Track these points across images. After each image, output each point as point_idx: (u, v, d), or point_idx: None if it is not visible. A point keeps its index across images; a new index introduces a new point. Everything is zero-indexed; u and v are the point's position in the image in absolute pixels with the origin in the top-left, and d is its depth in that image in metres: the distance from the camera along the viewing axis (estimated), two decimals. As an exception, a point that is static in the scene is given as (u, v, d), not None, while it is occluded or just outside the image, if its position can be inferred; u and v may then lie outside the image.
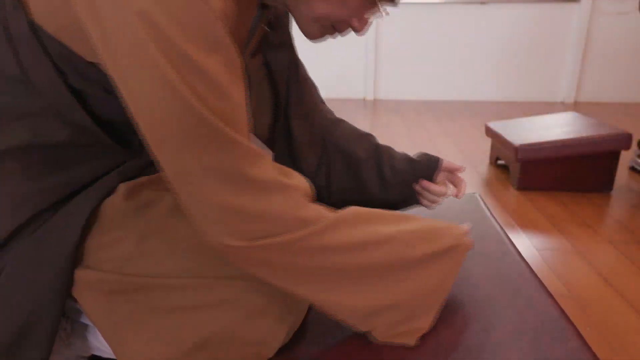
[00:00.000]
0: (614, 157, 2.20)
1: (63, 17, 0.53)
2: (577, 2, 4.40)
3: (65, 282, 0.56)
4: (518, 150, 2.22)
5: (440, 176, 0.86)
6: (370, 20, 0.66)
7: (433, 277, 0.65)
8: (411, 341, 0.64)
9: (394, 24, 4.63)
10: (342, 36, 0.68)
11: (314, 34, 0.66)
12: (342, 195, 0.86)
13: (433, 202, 0.86)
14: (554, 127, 2.43)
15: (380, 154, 0.86)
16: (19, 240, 0.56)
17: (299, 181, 0.58)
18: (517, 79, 4.71)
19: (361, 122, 3.79)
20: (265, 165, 0.53)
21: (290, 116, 0.83)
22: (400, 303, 0.63)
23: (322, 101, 0.89)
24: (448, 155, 2.87)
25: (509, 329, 0.66)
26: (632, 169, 2.59)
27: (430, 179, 0.85)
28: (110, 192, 0.61)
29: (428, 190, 0.85)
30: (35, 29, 0.54)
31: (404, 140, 3.18)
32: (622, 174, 2.52)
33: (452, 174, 0.87)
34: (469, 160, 2.79)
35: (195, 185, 0.50)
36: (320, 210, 0.57)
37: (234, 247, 0.52)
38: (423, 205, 0.88)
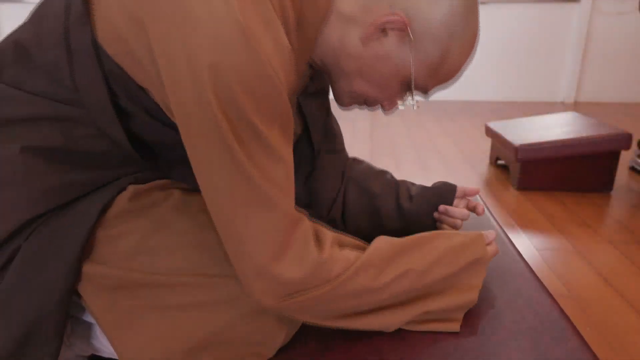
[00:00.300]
0: (614, 157, 2.21)
1: (125, 45, 0.55)
2: (577, 2, 4.40)
3: (72, 278, 0.56)
4: (518, 150, 2.22)
5: (457, 202, 0.89)
6: (400, 104, 0.71)
7: (456, 292, 0.68)
8: (455, 328, 0.67)
9: (394, 24, 4.63)
10: (369, 110, 0.71)
11: (345, 103, 0.71)
12: (357, 226, 0.90)
13: (454, 226, 0.88)
14: (554, 127, 2.44)
15: (397, 186, 0.90)
16: (27, 234, 0.57)
17: (329, 237, 0.60)
18: (517, 79, 4.71)
19: (361, 122, 3.79)
20: (303, 228, 0.57)
21: (316, 150, 0.87)
22: (430, 311, 0.66)
23: (343, 144, 0.94)
24: (448, 155, 2.87)
25: (509, 329, 0.66)
26: (632, 169, 2.59)
27: (450, 204, 0.89)
28: (121, 190, 0.62)
29: (447, 214, 0.88)
30: (97, 47, 0.56)
31: (404, 140, 3.19)
32: (622, 174, 2.52)
33: (466, 199, 0.91)
34: (469, 160, 2.79)
35: (238, 242, 0.54)
36: (346, 259, 0.59)
37: (268, 304, 0.56)
38: None
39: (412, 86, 0.66)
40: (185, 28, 0.49)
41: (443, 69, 0.65)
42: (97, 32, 0.56)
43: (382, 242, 0.63)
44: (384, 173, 0.92)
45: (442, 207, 0.88)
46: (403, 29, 0.61)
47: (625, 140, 2.15)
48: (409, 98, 0.70)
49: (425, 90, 0.68)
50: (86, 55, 0.56)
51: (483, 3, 4.50)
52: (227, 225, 0.54)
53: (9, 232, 0.55)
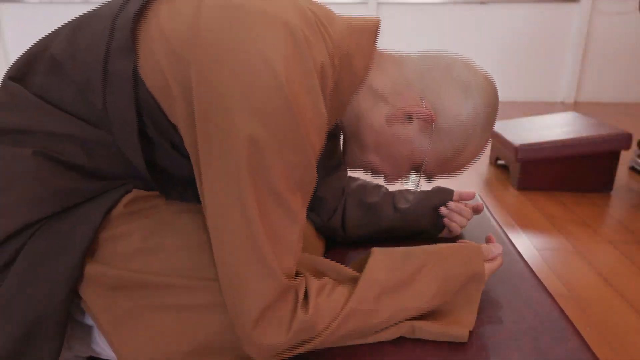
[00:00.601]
0: (614, 157, 2.20)
1: (164, 80, 0.55)
2: (577, 2, 4.40)
3: (75, 279, 0.56)
4: (518, 150, 2.22)
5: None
6: (404, 183, 0.78)
7: (446, 322, 0.66)
8: (462, 339, 0.64)
9: (394, 24, 4.63)
10: (373, 177, 0.77)
11: (353, 168, 0.76)
12: (356, 233, 0.92)
13: (461, 224, 0.90)
14: (554, 127, 2.44)
15: (393, 194, 0.93)
16: (31, 233, 0.56)
17: (314, 288, 0.59)
18: (517, 79, 4.71)
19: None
20: (293, 297, 0.56)
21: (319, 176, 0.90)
22: (433, 312, 0.65)
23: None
24: (448, 155, 2.87)
25: (509, 329, 0.66)
26: (632, 169, 2.59)
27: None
28: (125, 194, 0.63)
29: (456, 211, 0.89)
30: (136, 76, 0.56)
31: (404, 140, 3.18)
32: (622, 174, 2.53)
33: (463, 203, 0.93)
34: (469, 160, 2.79)
35: (233, 295, 0.54)
36: (333, 307, 0.58)
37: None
38: (450, 229, 0.90)
39: (421, 171, 0.71)
40: (229, 92, 0.49)
41: (452, 163, 0.69)
42: (138, 62, 0.56)
43: (372, 276, 0.62)
44: (379, 187, 0.95)
45: (452, 204, 0.89)
46: (428, 121, 0.66)
47: (625, 140, 2.15)
48: (412, 176, 0.74)
49: (430, 176, 0.73)
50: (123, 81, 0.56)
51: (483, 3, 4.50)
52: (226, 275, 0.54)
53: (10, 232, 0.55)
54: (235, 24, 0.52)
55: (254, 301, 0.53)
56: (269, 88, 0.49)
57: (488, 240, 0.76)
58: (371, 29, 0.65)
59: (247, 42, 0.50)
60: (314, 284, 0.59)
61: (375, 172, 0.73)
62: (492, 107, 0.67)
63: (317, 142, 0.54)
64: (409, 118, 0.66)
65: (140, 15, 0.58)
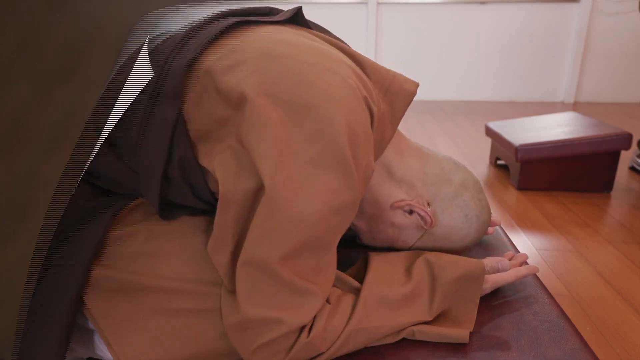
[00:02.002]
0: (614, 157, 2.20)
1: (212, 125, 0.55)
2: (577, 2, 4.40)
3: (83, 280, 0.56)
4: (518, 150, 2.22)
5: None
6: None
7: (455, 311, 0.67)
8: (463, 340, 0.63)
9: (394, 24, 4.63)
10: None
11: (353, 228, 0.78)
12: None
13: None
14: (554, 127, 2.43)
15: None
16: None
17: (324, 314, 0.58)
18: (517, 79, 4.71)
19: (361, 122, 3.77)
20: (299, 336, 0.55)
21: None
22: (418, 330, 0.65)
23: None
24: (448, 155, 2.87)
25: (509, 329, 0.66)
26: (632, 169, 2.59)
27: None
28: (130, 201, 0.63)
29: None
30: (178, 119, 0.56)
31: (404, 140, 3.18)
32: (622, 174, 2.52)
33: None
34: (469, 160, 2.79)
35: (237, 315, 0.53)
36: (334, 329, 0.57)
37: None
38: None
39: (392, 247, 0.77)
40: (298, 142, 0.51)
41: None
42: (184, 106, 0.56)
43: (372, 292, 0.61)
44: None
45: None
46: (425, 226, 0.70)
47: (625, 140, 2.15)
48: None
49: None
50: (164, 123, 0.56)
51: (483, 3, 4.51)
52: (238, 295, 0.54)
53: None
54: (299, 75, 0.53)
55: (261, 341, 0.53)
56: (335, 142, 0.51)
57: (506, 257, 0.79)
58: (406, 94, 0.65)
59: (316, 96, 0.52)
60: (326, 308, 0.57)
61: (356, 231, 0.76)
62: (478, 234, 0.73)
63: (362, 191, 0.56)
64: (411, 212, 0.70)
65: (192, 61, 0.58)
